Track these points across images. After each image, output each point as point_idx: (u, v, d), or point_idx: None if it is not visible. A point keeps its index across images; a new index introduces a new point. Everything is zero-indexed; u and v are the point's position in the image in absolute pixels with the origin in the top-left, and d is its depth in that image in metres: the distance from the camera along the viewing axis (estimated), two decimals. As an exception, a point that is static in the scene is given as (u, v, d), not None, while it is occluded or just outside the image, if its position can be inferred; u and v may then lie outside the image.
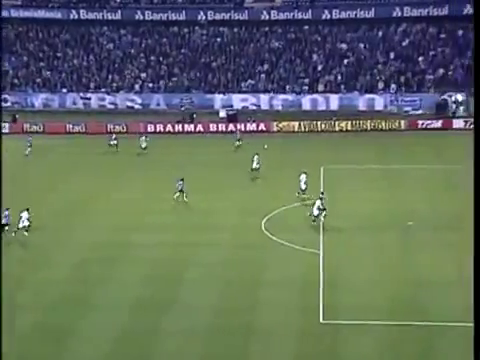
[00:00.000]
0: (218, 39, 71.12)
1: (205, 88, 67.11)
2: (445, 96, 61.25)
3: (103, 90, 66.99)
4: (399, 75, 65.12)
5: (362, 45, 68.46)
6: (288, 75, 67.33)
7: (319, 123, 59.52)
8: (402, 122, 58.93)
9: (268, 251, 33.89)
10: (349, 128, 59.11)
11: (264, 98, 65.48)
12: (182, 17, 71.26)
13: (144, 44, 71.28)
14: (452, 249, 33.07)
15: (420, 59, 66.11)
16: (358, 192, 41.79)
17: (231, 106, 64.61)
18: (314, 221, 36.10)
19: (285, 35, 70.50)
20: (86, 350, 25.31)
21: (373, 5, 68.57)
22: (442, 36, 67.32)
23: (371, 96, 64.08)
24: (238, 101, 65.26)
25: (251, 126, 60.12)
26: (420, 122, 58.72)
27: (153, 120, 60.83)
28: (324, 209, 35.98)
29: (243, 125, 60.27)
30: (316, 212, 36.05)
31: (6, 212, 34.80)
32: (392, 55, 67.07)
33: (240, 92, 66.09)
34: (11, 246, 34.00)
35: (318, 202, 36.09)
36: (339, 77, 66.30)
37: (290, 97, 65.24)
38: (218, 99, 65.57)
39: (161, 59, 70.00)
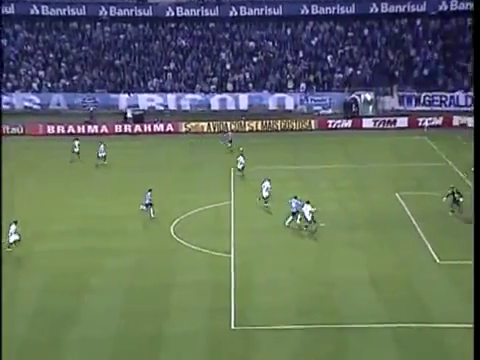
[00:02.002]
0: (121, 36, 70.26)
1: (109, 87, 66.14)
2: (354, 95, 62.86)
3: (-3, 89, 64.83)
4: (308, 74, 66.36)
5: (271, 43, 69.33)
6: (196, 74, 67.31)
7: (229, 123, 59.77)
8: (312, 122, 60.02)
9: (177, 256, 33.70)
10: (259, 128, 59.66)
11: (171, 98, 65.18)
12: (82, 12, 69.89)
13: (41, 41, 69.44)
14: (364, 249, 33.88)
15: (329, 58, 67.61)
16: (270, 193, 42.15)
17: (137, 106, 63.99)
18: (306, 227, 35.69)
19: (192, 32, 70.48)
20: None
21: (281, 2, 69.56)
22: (350, 35, 69.11)
23: (281, 95, 64.97)
24: (144, 101, 64.70)
25: (158, 127, 59.72)
26: (330, 122, 59.98)
27: (54, 121, 59.36)
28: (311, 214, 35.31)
29: (150, 126, 59.82)
30: (309, 217, 35.32)
31: None
32: (301, 53, 68.27)
33: (146, 92, 65.56)
34: None
35: (308, 208, 35.33)
36: (248, 76, 66.86)
37: (198, 97, 65.24)
38: (123, 99, 64.78)
39: (60, 57, 68.47)
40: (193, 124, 59.85)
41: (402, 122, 59.49)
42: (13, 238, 33.41)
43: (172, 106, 65.10)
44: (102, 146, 48.91)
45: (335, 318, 27.27)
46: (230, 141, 52.70)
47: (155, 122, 60.11)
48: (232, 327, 26.87)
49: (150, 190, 37.87)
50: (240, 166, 45.35)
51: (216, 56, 68.83)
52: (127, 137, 57.11)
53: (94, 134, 57.79)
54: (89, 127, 59.19)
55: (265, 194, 39.23)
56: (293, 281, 30.63)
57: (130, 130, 59.41)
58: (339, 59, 67.61)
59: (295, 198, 36.56)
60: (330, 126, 59.77)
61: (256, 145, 54.59)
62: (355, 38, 68.78)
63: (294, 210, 36.13)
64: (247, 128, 59.81)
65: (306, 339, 26.06)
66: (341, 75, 66.03)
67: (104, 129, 59.21)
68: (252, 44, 69.57)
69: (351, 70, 66.16)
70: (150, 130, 59.70)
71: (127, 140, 53.50)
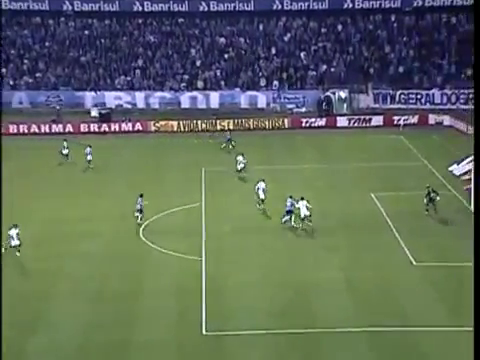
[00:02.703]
0: (87, 32, 69.77)
1: (74, 85, 65.64)
2: (328, 93, 63.17)
3: (-46, 87, 64.01)
4: (281, 71, 66.53)
5: (242, 39, 69.36)
6: (165, 71, 67.09)
7: (199, 122, 59.69)
8: (285, 120, 60.18)
9: (147, 260, 33.56)
10: (231, 127, 59.57)
11: (140, 96, 64.90)
12: (45, 7, 69.22)
13: (2, 36, 68.62)
14: (338, 251, 34.04)
15: (302, 55, 67.84)
16: (241, 194, 42.20)
17: (104, 104, 63.57)
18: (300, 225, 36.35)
19: (160, 28, 70.26)
20: None
21: (252, -3, 69.70)
22: (323, 31, 69.43)
23: (253, 93, 65.03)
24: (111, 99, 64.30)
25: (126, 126, 59.41)
26: (304, 120, 60.18)
27: (16, 121, 58.73)
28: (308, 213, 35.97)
29: (117, 125, 59.50)
30: (308, 212, 35.93)
31: None
32: (273, 50, 68.40)
33: (113, 89, 65.18)
34: None
35: (304, 203, 35.95)
36: (219, 73, 66.83)
37: (168, 95, 65.04)
38: (89, 97, 64.35)
39: (23, 53, 67.78)
40: (162, 123, 59.63)
41: (377, 120, 59.92)
42: (14, 243, 32.97)
43: (140, 104, 64.81)
44: (88, 149, 47.78)
45: (309, 322, 27.34)
46: (229, 140, 52.33)
47: (123, 121, 59.76)
48: (203, 333, 26.80)
49: (141, 195, 37.39)
50: (240, 166, 44.93)
51: (186, 53, 68.66)
52: (94, 137, 56.69)
53: (58, 133, 57.28)
54: (53, 126, 58.65)
55: (261, 195, 38.79)
56: (266, 284, 30.65)
57: (97, 129, 59.04)
58: (312, 56, 67.86)
59: (290, 197, 36.87)
60: (304, 125, 59.96)
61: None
62: (329, 34, 69.12)
63: (289, 209, 36.44)
64: (218, 127, 59.71)
65: (280, 344, 26.09)
66: (315, 72, 66.30)
67: (69, 128, 58.76)
68: (223, 40, 69.53)
69: (325, 67, 66.47)
70: (118, 129, 59.34)
71: (94, 140, 53.09)
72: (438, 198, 37.76)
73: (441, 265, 32.21)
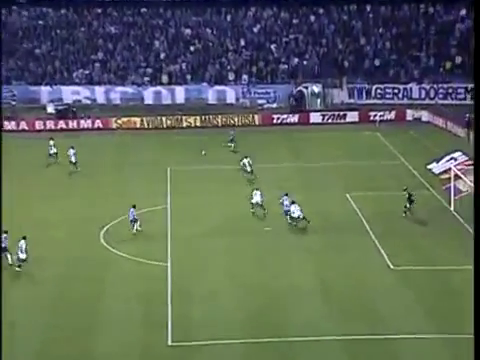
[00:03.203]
0: (41, 22, 69.24)
1: (28, 79, 65.08)
2: (300, 88, 63.41)
3: None
4: (251, 64, 66.65)
5: (209, 30, 69.39)
6: (127, 64, 66.85)
7: (164, 119, 59.53)
8: (256, 117, 60.28)
9: (107, 265, 33.38)
10: (198, 124, 59.58)
11: (100, 90, 64.61)
12: (-5, -5, 68.59)
13: None
14: (312, 255, 34.16)
15: (273, 47, 68.04)
16: (209, 195, 42.15)
17: (61, 100, 63.18)
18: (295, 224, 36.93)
19: (121, 18, 70.00)
20: None
21: (220, -14, 69.81)
22: (295, 22, 69.72)
23: (221, 88, 65.06)
24: (69, 94, 63.93)
25: (85, 123, 59.04)
26: (275, 117, 60.34)
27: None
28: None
29: (76, 122, 59.10)
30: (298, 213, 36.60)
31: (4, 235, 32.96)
32: (242, 42, 68.53)
33: (71, 84, 64.77)
34: None
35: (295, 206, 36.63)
36: (185, 67, 66.74)
37: (130, 89, 64.83)
38: (45, 92, 63.84)
39: (-29, 45, 67.10)
40: (124, 120, 59.37)
41: (352, 116, 60.30)
42: (23, 256, 32.43)
43: (101, 100, 64.55)
44: (71, 150, 47.02)
45: (282, 331, 27.38)
46: (231, 140, 52.03)
47: (82, 118, 59.40)
48: (169, 343, 26.71)
49: (134, 206, 37.08)
50: (249, 168, 44.55)
51: (149, 45, 68.48)
52: (50, 135, 56.16)
53: (12, 131, 56.72)
54: (6, 123, 57.99)
55: (258, 200, 38.58)
56: (236, 291, 30.64)
57: (53, 126, 58.54)
58: (284, 48, 68.10)
59: (286, 195, 37.61)
60: (275, 121, 60.12)
61: (194, 142, 54.49)
62: (301, 25, 69.40)
63: (287, 209, 37.19)
64: (184, 124, 59.64)
65: (250, 354, 26.09)
66: (286, 66, 66.52)
67: (23, 126, 58.23)
68: (189, 31, 69.46)
69: (297, 60, 66.73)
70: (76, 126, 58.96)
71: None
72: (413, 198, 38.04)
73: (420, 269, 32.49)
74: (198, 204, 40.70)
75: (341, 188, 43.23)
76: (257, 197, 38.69)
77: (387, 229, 36.96)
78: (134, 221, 36.76)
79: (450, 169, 40.94)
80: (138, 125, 59.37)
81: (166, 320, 28.08)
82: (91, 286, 31.32)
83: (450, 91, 63.05)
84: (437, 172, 45.05)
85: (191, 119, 59.76)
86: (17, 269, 32.58)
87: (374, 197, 41.58)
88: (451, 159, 44.46)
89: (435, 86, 63.30)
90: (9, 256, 32.93)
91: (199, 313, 28.74)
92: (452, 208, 38.94)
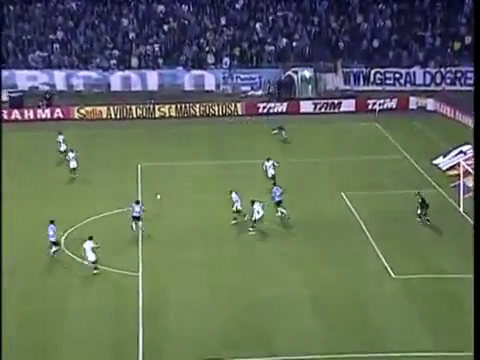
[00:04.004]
0: (-9, -3, 69.07)
1: (-24, 63, 64.90)
2: (290, 72, 63.52)
3: None
4: (233, 46, 66.69)
5: (185, 7, 69.38)
6: (90, 46, 66.72)
7: (134, 108, 59.50)
8: (239, 105, 60.35)
9: (69, 275, 33.35)
10: (173, 114, 59.59)
11: (60, 75, 64.52)
12: None
13: None
14: (302, 262, 34.27)
15: (258, 26, 68.11)
16: (186, 196, 42.23)
17: (15, 87, 63.02)
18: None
19: (84, -7, 69.95)
20: None
21: (197, -45, 69.77)
22: (283, -3, 69.94)
23: (199, 73, 65.11)
24: (24, 79, 63.82)
25: (43, 113, 58.90)
26: (261, 105, 60.44)
27: None
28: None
29: (32, 112, 58.95)
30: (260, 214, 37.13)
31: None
32: (223, 20, 68.56)
33: (26, 68, 64.60)
34: None
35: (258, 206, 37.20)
36: (157, 48, 66.70)
37: (94, 74, 64.78)
38: (-4, 77, 63.74)
39: None
40: (88, 109, 59.31)
41: (348, 105, 60.49)
42: (92, 257, 33.45)
43: (61, 86, 64.42)
44: (71, 154, 45.74)
45: (267, 349, 27.46)
46: (280, 127, 52.19)
47: (39, 107, 59.26)
48: (140, 366, 26.84)
49: (137, 202, 37.50)
50: (271, 173, 43.15)
51: (116, 23, 68.38)
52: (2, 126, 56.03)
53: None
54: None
55: (238, 206, 38.46)
56: (215, 304, 30.71)
57: (6, 117, 58.30)
58: (270, 28, 68.19)
59: (275, 185, 39.30)
60: (261, 111, 60.22)
61: (168, 135, 54.49)
62: (290, 2, 69.53)
63: (278, 199, 38.43)
64: (157, 114, 59.63)
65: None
66: (273, 47, 66.64)
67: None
68: (162, 8, 69.46)
69: (285, 41, 66.87)
70: (32, 117, 58.79)
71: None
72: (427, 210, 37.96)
73: (425, 277, 32.67)
74: (173, 205, 40.72)
75: (335, 186, 43.37)
76: (237, 203, 38.44)
77: (387, 233, 37.13)
78: (137, 218, 37.20)
79: (459, 164, 41.22)
80: (104, 115, 59.30)
81: (137, 337, 28.08)
82: (50, 299, 31.28)
83: (459, 75, 63.40)
84: (444, 168, 45.41)
85: (165, 108, 59.75)
86: (95, 271, 33.32)
87: (373, 197, 41.74)
88: (460, 153, 44.81)
89: (442, 70, 63.66)
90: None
91: (174, 332, 28.78)
92: (461, 209, 39.15)
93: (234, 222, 38.35)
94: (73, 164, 45.58)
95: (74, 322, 29.52)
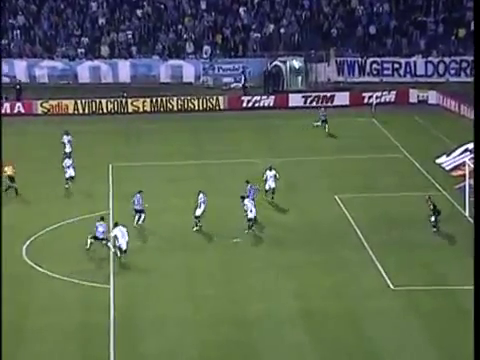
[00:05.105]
0: None
1: None
2: (277, 62, 63.63)
3: None
4: (214, 33, 66.75)
5: (161, -10, 69.53)
6: (55, 32, 66.58)
7: (104, 102, 59.49)
8: (221, 99, 60.45)
9: (31, 287, 33.27)
10: (147, 109, 59.70)
11: (21, 65, 64.46)
12: None
13: None
14: (292, 273, 34.32)
15: (242, 11, 68.22)
16: (162, 199, 42.22)
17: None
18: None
19: (49, -27, 69.81)
20: None
21: None
22: (270, -22, 70.09)
23: (177, 62, 65.20)
24: (-19, 70, 63.84)
25: (2, 107, 58.71)
26: (245, 99, 60.56)
27: None
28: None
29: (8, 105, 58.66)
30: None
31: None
32: (203, 5, 68.63)
33: (-17, 57, 64.61)
34: None
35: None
36: (130, 35, 66.67)
37: (60, 64, 64.78)
38: None
39: None
40: (53, 103, 59.35)
41: (342, 98, 60.71)
42: (124, 245, 35.00)
43: (22, 77, 64.25)
44: (68, 160, 44.66)
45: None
46: (324, 121, 52.67)
47: (6, 99, 58.97)
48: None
49: (140, 192, 38.56)
50: (269, 186, 41.84)
51: (84, 7, 68.34)
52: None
53: None
54: None
55: (199, 211, 38.53)
56: (196, 320, 30.69)
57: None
58: (256, 12, 68.31)
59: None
60: (245, 105, 60.40)
61: (142, 132, 54.48)
62: (277, -16, 69.78)
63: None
64: (130, 108, 59.69)
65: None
66: (259, 34, 66.76)
67: None
68: (135, -9, 69.53)
69: (272, 27, 67.00)
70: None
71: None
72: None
73: (427, 289, 32.78)
74: (148, 209, 40.67)
75: (328, 189, 43.48)
76: (202, 206, 38.37)
77: (386, 240, 37.22)
78: (140, 211, 38.01)
79: (464, 164, 41.32)
80: (71, 110, 59.33)
81: (108, 358, 27.98)
82: (10, 313, 31.07)
83: (464, 65, 63.69)
84: (448, 168, 45.46)
85: (139, 102, 59.83)
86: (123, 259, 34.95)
87: (369, 200, 41.88)
88: (465, 151, 44.84)
89: (445, 59, 63.99)
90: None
91: (150, 348, 28.72)
92: (467, 213, 39.29)
93: (196, 229, 38.31)
94: (71, 172, 43.87)
95: (37, 342, 29.29)
